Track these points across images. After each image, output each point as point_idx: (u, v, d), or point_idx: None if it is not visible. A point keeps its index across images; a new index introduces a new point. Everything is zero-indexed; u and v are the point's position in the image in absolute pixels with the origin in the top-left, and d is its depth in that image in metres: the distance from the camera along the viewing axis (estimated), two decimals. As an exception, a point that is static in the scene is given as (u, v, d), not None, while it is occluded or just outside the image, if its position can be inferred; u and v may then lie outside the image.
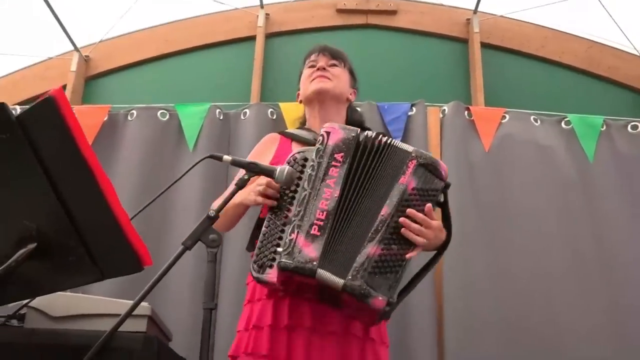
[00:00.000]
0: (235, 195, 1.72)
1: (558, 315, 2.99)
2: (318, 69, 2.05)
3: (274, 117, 3.34)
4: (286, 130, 2.13)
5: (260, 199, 1.74)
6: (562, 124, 3.40)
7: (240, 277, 2.87)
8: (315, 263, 1.56)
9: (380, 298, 1.55)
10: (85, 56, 4.36)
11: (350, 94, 2.12)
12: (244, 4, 4.49)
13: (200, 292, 2.91)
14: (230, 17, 4.50)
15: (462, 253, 2.99)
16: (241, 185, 1.70)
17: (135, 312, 1.55)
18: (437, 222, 1.68)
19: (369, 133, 1.72)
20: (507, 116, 3.40)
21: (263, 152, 2.04)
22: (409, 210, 1.61)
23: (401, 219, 1.60)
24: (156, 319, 1.87)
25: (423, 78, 4.34)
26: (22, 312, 1.72)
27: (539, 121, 3.39)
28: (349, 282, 1.55)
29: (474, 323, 2.97)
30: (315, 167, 1.67)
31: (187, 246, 1.58)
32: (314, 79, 2.04)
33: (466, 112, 3.41)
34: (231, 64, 4.39)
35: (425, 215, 1.63)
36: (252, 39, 4.40)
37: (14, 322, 1.73)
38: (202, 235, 1.60)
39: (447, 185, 1.70)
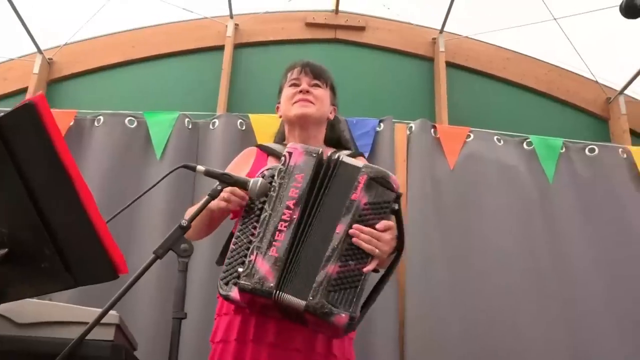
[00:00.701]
0: (199, 204, 1.73)
1: (518, 327, 3.06)
2: (301, 92, 2.02)
3: (244, 128, 3.33)
4: (264, 144, 2.12)
5: (222, 203, 1.75)
6: (524, 145, 3.49)
7: (207, 289, 2.88)
8: (272, 285, 1.57)
9: (342, 315, 1.56)
10: (49, 59, 4.30)
11: (330, 113, 2.12)
12: (213, 13, 4.48)
13: (163, 301, 2.92)
14: (200, 26, 4.49)
15: (425, 268, 3.05)
16: (214, 195, 1.73)
17: (103, 321, 1.54)
18: (386, 235, 1.65)
19: (330, 153, 1.74)
20: (472, 135, 3.48)
21: (240, 165, 2.04)
22: (355, 226, 1.61)
23: (351, 231, 1.60)
24: (123, 328, 1.86)
25: (389, 94, 4.41)
26: (-19, 317, 1.69)
27: (502, 141, 3.48)
28: (311, 303, 1.55)
29: (437, 336, 3.01)
30: (277, 188, 1.68)
31: (159, 255, 1.58)
32: (296, 102, 2.02)
33: (432, 130, 3.48)
34: (199, 73, 4.38)
35: (378, 230, 1.63)
36: (220, 48, 4.40)
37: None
38: (174, 245, 1.60)
39: (398, 196, 1.69)
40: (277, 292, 1.57)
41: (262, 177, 1.74)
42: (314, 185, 1.67)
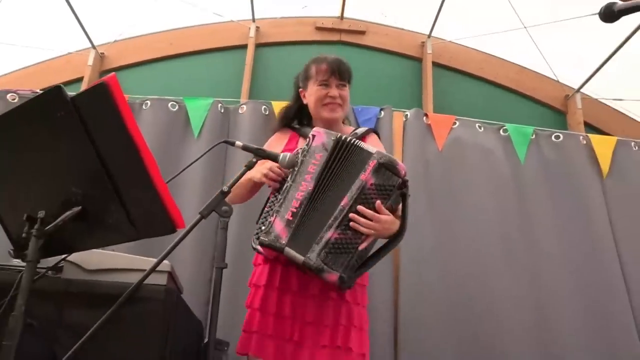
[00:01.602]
0: (247, 173, 1.76)
1: (491, 286, 3.05)
2: (331, 96, 1.96)
3: (267, 113, 3.30)
4: (298, 127, 2.09)
5: (264, 178, 1.81)
6: (501, 132, 3.46)
7: (235, 244, 2.87)
8: (284, 242, 1.63)
9: (333, 273, 1.60)
10: (101, 53, 4.26)
11: None
12: (238, 17, 4.44)
13: (199, 254, 2.92)
14: (226, 28, 4.46)
15: (415, 231, 3.01)
16: (250, 166, 1.78)
17: (157, 268, 1.54)
18: (387, 217, 1.65)
19: (345, 137, 1.72)
20: (457, 123, 3.44)
21: (277, 142, 2.06)
22: (359, 208, 1.62)
23: (350, 214, 1.62)
24: (174, 275, 1.86)
25: (385, 88, 4.40)
26: (59, 265, 1.69)
27: (482, 128, 3.45)
28: (306, 260, 1.61)
29: (424, 288, 3.01)
30: (299, 164, 1.70)
31: (204, 215, 1.59)
32: (325, 105, 1.97)
33: (424, 118, 3.44)
34: (226, 67, 4.35)
35: (376, 209, 1.63)
36: (244, 47, 4.38)
37: (52, 273, 1.71)
38: (217, 207, 1.62)
39: (404, 182, 1.67)
40: (286, 248, 1.62)
41: (296, 153, 1.76)
42: (329, 163, 1.68)
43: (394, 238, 1.73)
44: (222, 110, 3.35)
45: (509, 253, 3.12)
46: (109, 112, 1.31)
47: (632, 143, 3.56)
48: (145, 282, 1.54)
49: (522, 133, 3.44)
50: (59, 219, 1.37)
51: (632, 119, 4.47)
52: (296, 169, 1.70)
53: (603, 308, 3.05)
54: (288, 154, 1.75)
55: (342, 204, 1.63)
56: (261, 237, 1.66)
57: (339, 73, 1.99)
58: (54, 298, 1.66)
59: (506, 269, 3.09)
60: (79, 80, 4.13)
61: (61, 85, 1.34)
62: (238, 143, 1.81)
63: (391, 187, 1.66)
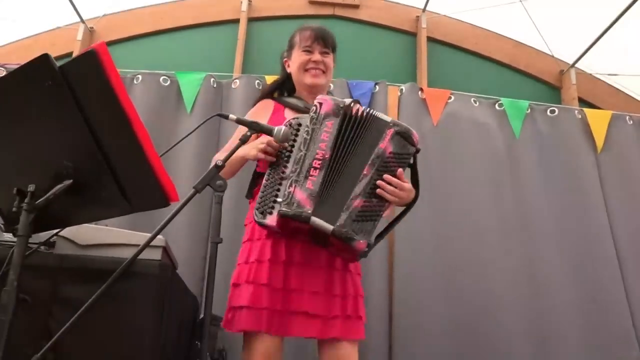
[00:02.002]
0: (239, 150, 1.71)
1: (485, 258, 3.05)
2: (315, 62, 1.93)
3: (260, 87, 3.23)
4: (281, 98, 2.04)
5: (261, 154, 1.74)
6: (496, 106, 3.43)
7: (230, 220, 2.84)
8: (309, 211, 1.58)
9: (362, 241, 1.59)
10: (90, 27, 4.17)
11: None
12: (231, -10, 4.36)
13: (192, 230, 2.89)
14: (218, 2, 4.39)
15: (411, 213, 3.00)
16: (244, 140, 1.71)
17: (152, 243, 1.51)
18: (408, 185, 1.69)
19: (352, 104, 1.70)
20: (452, 97, 3.40)
21: (259, 114, 1.96)
22: (386, 176, 1.62)
23: (378, 182, 1.62)
24: (168, 250, 1.82)
25: (379, 62, 4.36)
26: (52, 240, 1.66)
27: (477, 102, 3.41)
28: (337, 228, 1.58)
29: (418, 261, 3.01)
30: (310, 132, 1.67)
31: (198, 189, 1.55)
32: (308, 71, 1.94)
33: (419, 92, 3.40)
34: (218, 42, 4.29)
35: (397, 177, 1.64)
36: (236, 21, 4.30)
37: (44, 248, 1.67)
38: (211, 181, 1.58)
39: (417, 150, 1.70)
40: (313, 217, 1.58)
41: (290, 125, 1.72)
42: (345, 130, 1.66)
43: (410, 205, 1.77)
44: (215, 85, 3.29)
45: (504, 227, 3.12)
46: (98, 81, 1.26)
47: (627, 117, 3.54)
48: (140, 257, 1.49)
49: (517, 107, 3.40)
50: (50, 193, 1.33)
51: (627, 94, 4.46)
52: (307, 137, 1.67)
53: (597, 283, 3.06)
54: (283, 127, 1.70)
55: (364, 172, 1.62)
56: (282, 209, 1.60)
57: (323, 39, 1.95)
58: (48, 273, 1.61)
59: (500, 243, 3.08)
60: (69, 55, 4.04)
61: (48, 53, 1.29)
62: (232, 116, 1.76)
63: (407, 155, 1.68)
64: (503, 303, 2.95)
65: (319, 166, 1.62)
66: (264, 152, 1.74)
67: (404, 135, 1.66)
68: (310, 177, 1.62)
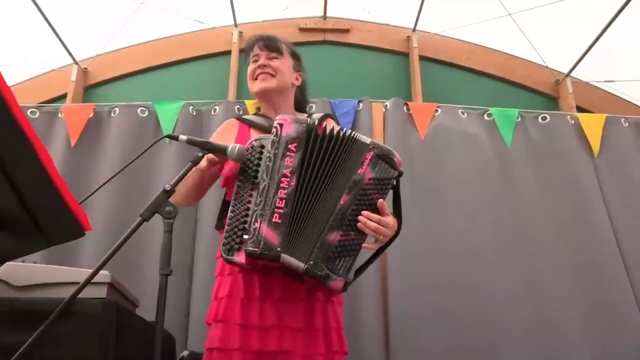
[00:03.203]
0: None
1: (482, 274, 2.82)
2: (259, 67, 1.77)
3: (241, 112, 3.10)
4: (244, 117, 1.86)
5: (204, 163, 1.57)
6: (485, 116, 3.24)
7: (213, 252, 2.64)
8: (278, 249, 1.38)
9: (338, 280, 1.40)
10: (84, 68, 4.09)
11: (296, 79, 1.85)
12: (220, 23, 4.26)
13: (178, 262, 2.68)
14: (209, 35, 4.28)
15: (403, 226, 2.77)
16: (195, 161, 1.51)
17: (95, 280, 1.34)
18: (391, 219, 1.48)
19: (319, 121, 1.55)
20: (439, 110, 3.23)
21: (224, 136, 1.81)
22: (365, 213, 1.42)
23: (360, 217, 1.42)
24: (118, 286, 1.63)
25: (371, 85, 4.18)
26: (-17, 282, 1.47)
27: (465, 114, 3.23)
28: (311, 267, 1.38)
29: (412, 282, 2.78)
30: (272, 158, 1.46)
31: (145, 217, 1.38)
32: (256, 78, 1.78)
33: (405, 107, 3.23)
34: (210, 75, 4.16)
35: (378, 209, 1.44)
36: (227, 53, 4.18)
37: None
38: (159, 207, 1.41)
39: (400, 174, 1.50)
40: (282, 255, 1.38)
41: (252, 147, 1.52)
42: (311, 153, 1.46)
43: (393, 238, 1.54)
44: (194, 113, 3.16)
45: (500, 240, 2.90)
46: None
47: (622, 119, 3.33)
48: (83, 296, 1.31)
49: (506, 116, 3.21)
50: (-38, 230, 1.14)
51: (625, 99, 4.23)
52: (269, 164, 1.45)
53: (603, 290, 2.81)
54: (237, 146, 1.50)
55: (341, 202, 1.42)
56: (249, 248, 1.39)
57: (266, 44, 1.79)
58: None
59: (497, 257, 2.87)
60: (64, 97, 3.97)
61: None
62: (182, 137, 1.58)
63: (388, 180, 1.47)
64: (503, 320, 2.72)
65: (285, 196, 1.42)
66: (209, 158, 1.57)
67: (384, 159, 1.46)
68: (276, 210, 1.41)
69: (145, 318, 1.82)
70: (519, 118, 3.22)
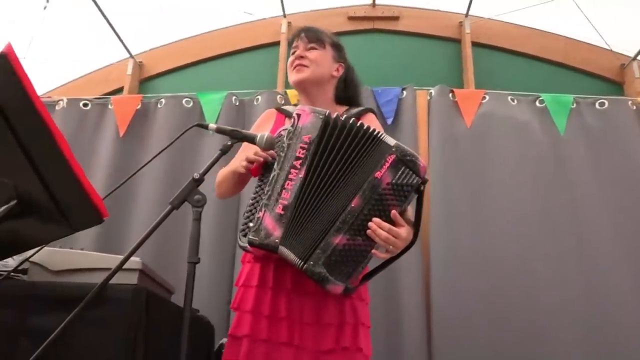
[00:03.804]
0: (230, 164, 1.63)
1: (535, 272, 2.66)
2: (297, 56, 1.76)
3: (283, 102, 3.07)
4: (282, 107, 1.86)
5: (244, 163, 1.55)
6: (537, 103, 3.05)
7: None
8: (276, 241, 1.36)
9: (337, 285, 1.34)
10: (139, 62, 4.20)
11: (335, 70, 1.79)
12: (269, 14, 4.26)
13: (214, 249, 2.70)
14: (258, 26, 4.28)
15: (447, 214, 2.71)
16: (225, 150, 1.48)
17: (127, 266, 1.36)
18: (404, 231, 1.37)
19: (339, 115, 1.45)
20: (487, 97, 3.06)
21: (262, 126, 1.80)
22: (376, 220, 1.34)
23: (370, 223, 1.34)
24: (149, 273, 1.65)
25: (422, 73, 4.02)
26: (24, 267, 1.52)
27: (515, 101, 3.05)
28: (310, 267, 1.34)
29: (458, 284, 2.66)
30: (285, 149, 1.43)
31: (174, 206, 1.38)
32: (293, 68, 1.76)
33: (450, 94, 3.09)
34: (259, 66, 4.16)
35: (392, 218, 1.35)
36: (277, 44, 4.16)
37: (18, 275, 1.55)
38: (188, 196, 1.41)
39: (424, 182, 1.39)
40: (280, 247, 1.35)
41: (279, 136, 1.49)
42: (321, 146, 1.40)
43: (404, 250, 1.45)
44: (237, 103, 3.17)
45: (553, 237, 2.72)
46: (15, 87, 1.10)
47: (690, 104, 3.00)
48: (114, 281, 1.34)
49: (560, 102, 3.01)
50: (-3, 214, 1.18)
51: (701, 82, 3.84)
52: (282, 154, 1.43)
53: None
54: (266, 134, 1.47)
55: (352, 204, 1.35)
56: (250, 236, 1.38)
57: (306, 35, 1.77)
58: (17, 302, 1.51)
59: (550, 255, 2.69)
60: (120, 90, 4.09)
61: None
62: (212, 126, 1.57)
63: (409, 187, 1.37)
64: (557, 323, 2.55)
65: (291, 187, 1.38)
66: (248, 160, 1.54)
67: (407, 163, 1.36)
68: (280, 201, 1.38)
69: (181, 305, 1.84)
70: (574, 104, 3.01)
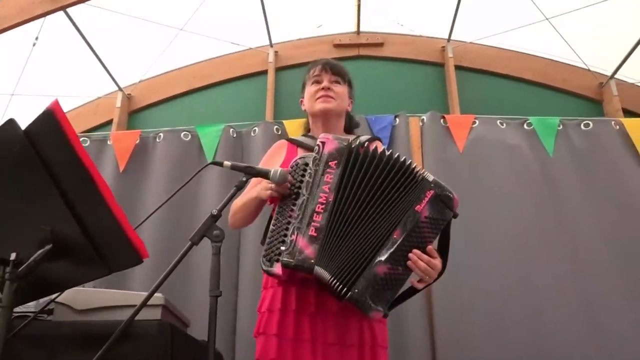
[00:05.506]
0: (252, 191, 1.66)
1: (533, 289, 2.76)
2: (323, 89, 1.84)
3: (279, 133, 3.16)
4: (293, 138, 1.94)
5: (269, 191, 1.60)
6: (525, 126, 3.17)
7: (257, 267, 2.72)
8: (312, 261, 1.42)
9: (379, 311, 1.42)
10: (128, 94, 4.27)
11: (349, 105, 1.93)
12: (256, 44, 4.38)
13: (223, 279, 2.76)
14: (246, 55, 4.40)
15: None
16: (240, 186, 1.58)
17: (150, 302, 1.41)
18: (438, 262, 1.47)
19: (365, 143, 1.57)
20: (477, 121, 3.18)
21: (273, 157, 1.89)
22: (415, 251, 1.43)
23: (411, 255, 1.43)
24: (171, 308, 1.71)
25: (407, 97, 4.19)
26: (50, 307, 1.58)
27: (504, 124, 3.17)
28: (355, 295, 1.40)
29: (459, 302, 2.76)
30: (312, 174, 1.52)
31: (194, 242, 1.45)
32: (318, 98, 1.84)
33: (442, 120, 3.20)
34: (248, 94, 4.28)
35: (427, 252, 1.45)
36: (264, 72, 4.30)
37: (44, 316, 1.60)
38: (207, 232, 1.47)
39: (455, 216, 1.49)
40: (316, 267, 1.42)
41: (296, 165, 1.59)
42: (348, 171, 1.50)
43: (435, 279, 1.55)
44: (235, 135, 3.24)
45: (547, 254, 2.82)
46: (59, 139, 1.21)
47: (672, 122, 3.18)
48: (139, 318, 1.40)
49: (547, 125, 3.13)
50: (31, 259, 1.26)
51: (675, 100, 4.07)
52: (309, 179, 1.52)
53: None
54: (279, 169, 1.57)
55: (394, 235, 1.44)
56: (284, 259, 1.45)
57: (331, 68, 1.87)
58: (45, 342, 1.54)
59: (544, 271, 2.78)
60: (109, 122, 4.16)
61: (13, 118, 1.24)
62: (226, 163, 1.65)
63: (444, 221, 1.47)
64: (557, 339, 2.63)
65: (322, 210, 1.46)
66: (275, 190, 1.60)
67: (444, 199, 1.46)
68: (313, 224, 1.45)
69: (195, 337, 1.91)
70: (560, 126, 3.15)
